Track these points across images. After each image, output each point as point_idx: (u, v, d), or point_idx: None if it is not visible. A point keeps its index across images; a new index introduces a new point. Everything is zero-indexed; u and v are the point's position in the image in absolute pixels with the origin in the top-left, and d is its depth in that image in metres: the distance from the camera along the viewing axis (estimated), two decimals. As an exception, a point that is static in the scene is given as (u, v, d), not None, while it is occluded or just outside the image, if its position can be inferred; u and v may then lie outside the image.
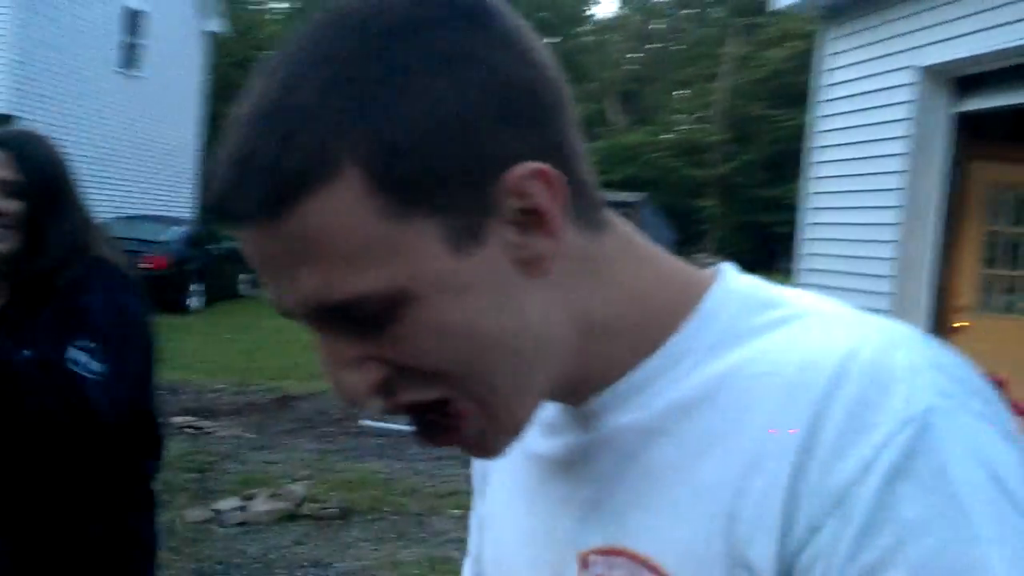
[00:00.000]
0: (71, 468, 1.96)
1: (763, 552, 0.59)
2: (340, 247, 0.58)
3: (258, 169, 0.57)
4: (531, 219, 0.61)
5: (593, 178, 0.66)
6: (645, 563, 0.65)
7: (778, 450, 0.59)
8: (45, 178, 1.99)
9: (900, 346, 0.61)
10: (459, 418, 0.64)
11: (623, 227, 0.69)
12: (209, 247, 16.93)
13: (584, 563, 0.69)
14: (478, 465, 0.87)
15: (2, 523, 1.98)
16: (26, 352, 1.86)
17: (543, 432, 0.73)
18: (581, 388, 0.68)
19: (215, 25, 22.91)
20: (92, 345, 1.87)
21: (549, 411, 0.73)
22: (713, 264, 0.72)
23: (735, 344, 0.65)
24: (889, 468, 0.55)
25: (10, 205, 1.94)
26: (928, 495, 0.55)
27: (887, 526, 0.55)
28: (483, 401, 0.63)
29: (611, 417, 0.68)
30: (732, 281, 0.69)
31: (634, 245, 0.69)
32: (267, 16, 37.42)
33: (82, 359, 1.85)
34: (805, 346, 0.62)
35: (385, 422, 8.32)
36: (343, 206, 0.57)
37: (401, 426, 8.20)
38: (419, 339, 0.60)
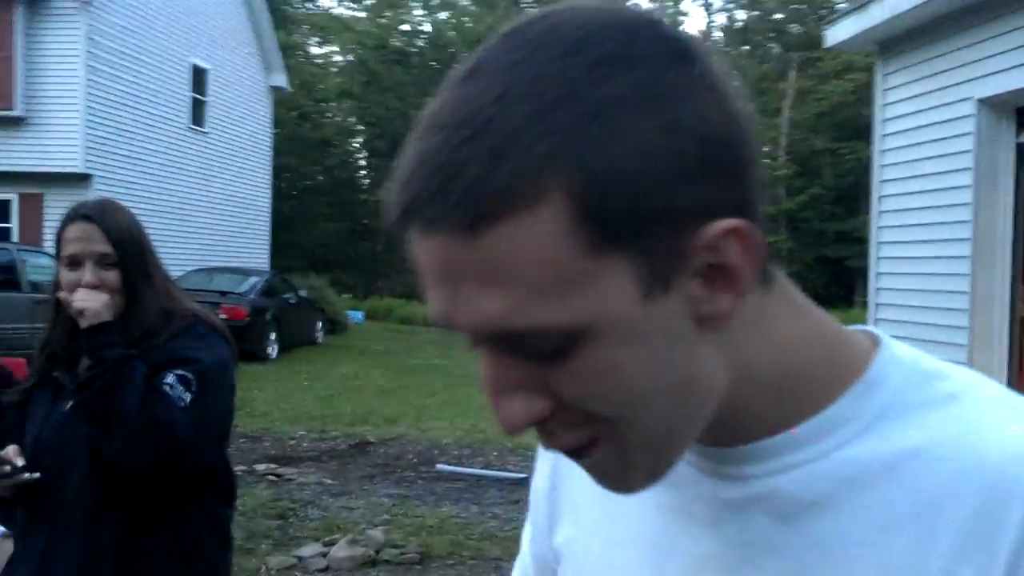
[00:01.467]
0: (149, 495, 2.07)
1: None
2: (532, 274, 0.56)
3: (464, 181, 0.55)
4: (719, 275, 0.59)
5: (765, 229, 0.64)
6: None
7: (992, 541, 0.59)
8: (133, 245, 2.13)
9: None
10: (601, 460, 0.64)
11: (782, 279, 0.67)
12: (285, 296, 17.31)
13: None
14: (546, 496, 0.85)
15: (83, 546, 2.07)
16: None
17: (664, 482, 0.68)
18: (723, 437, 0.67)
19: (279, 80, 23.52)
20: (187, 375, 2.03)
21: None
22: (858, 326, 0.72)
23: (905, 417, 0.64)
24: None
25: (110, 275, 2.09)
26: None
27: None
28: (633, 444, 0.62)
29: (766, 473, 0.66)
30: (894, 348, 0.68)
31: (794, 299, 0.68)
32: (328, 69, 38.22)
33: (175, 385, 2.01)
34: (995, 432, 0.62)
35: (462, 466, 8.42)
36: (543, 234, 0.56)
37: (477, 470, 8.29)
38: (590, 378, 0.59)
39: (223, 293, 15.54)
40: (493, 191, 0.55)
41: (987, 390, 0.65)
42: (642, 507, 0.72)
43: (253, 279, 17.10)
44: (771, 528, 0.65)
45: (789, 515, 0.65)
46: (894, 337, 0.70)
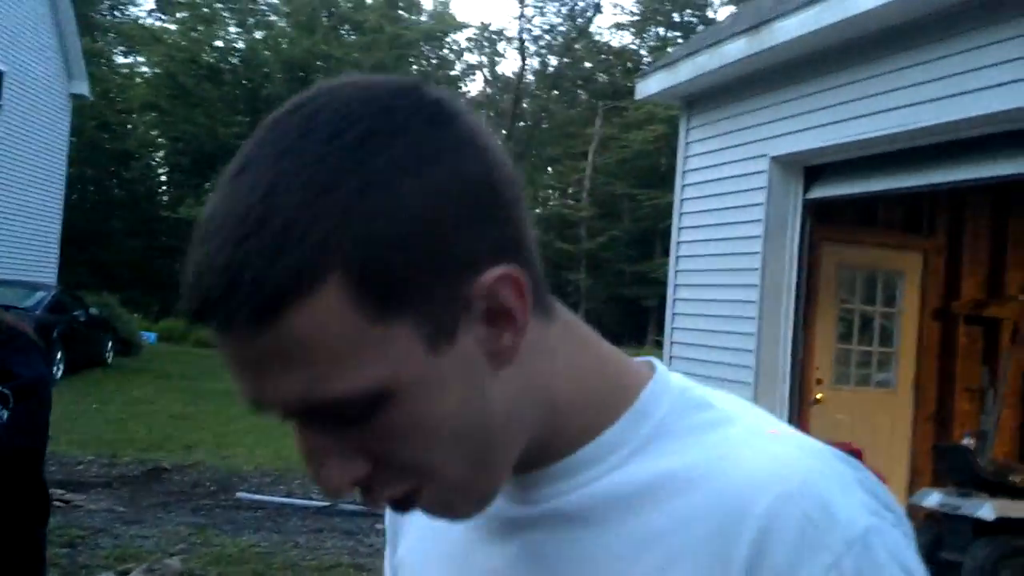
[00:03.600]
0: None
1: None
2: (324, 351, 0.60)
3: (247, 281, 0.59)
4: (499, 317, 0.64)
5: (540, 265, 0.69)
6: None
7: (727, 562, 0.63)
8: None
9: (828, 464, 0.66)
10: (428, 502, 0.68)
11: (565, 311, 0.73)
12: (72, 312, 16.44)
13: None
14: (390, 516, 0.89)
15: None
16: None
17: None
18: (526, 461, 0.71)
19: (80, 88, 22.45)
20: (3, 391, 1.94)
21: None
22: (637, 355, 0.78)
23: (670, 441, 0.70)
24: None
25: None
26: None
27: None
28: (452, 485, 0.66)
29: (549, 496, 0.71)
30: (665, 377, 0.74)
31: (576, 329, 0.73)
32: (133, 79, 36.73)
33: None
34: (745, 459, 0.67)
35: (263, 495, 8.24)
36: (327, 312, 0.59)
37: (277, 499, 8.14)
38: (397, 433, 0.63)
39: (6, 308, 14.53)
40: (274, 286, 0.59)
41: (747, 419, 0.71)
42: (453, 526, 0.76)
43: (40, 294, 16.15)
44: (547, 543, 0.71)
45: (562, 533, 0.70)
46: (688, 373, 0.77)
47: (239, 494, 8.22)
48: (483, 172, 0.64)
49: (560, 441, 0.71)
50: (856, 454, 5.02)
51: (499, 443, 0.67)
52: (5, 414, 1.95)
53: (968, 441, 6.45)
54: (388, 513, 0.89)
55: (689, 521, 0.66)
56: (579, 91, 42.97)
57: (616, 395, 0.72)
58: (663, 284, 8.42)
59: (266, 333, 0.60)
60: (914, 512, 7.08)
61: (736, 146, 7.43)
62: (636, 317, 32.84)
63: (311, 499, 8.17)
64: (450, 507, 0.69)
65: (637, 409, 0.72)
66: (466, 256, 0.63)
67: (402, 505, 0.68)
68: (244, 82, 34.75)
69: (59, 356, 15.18)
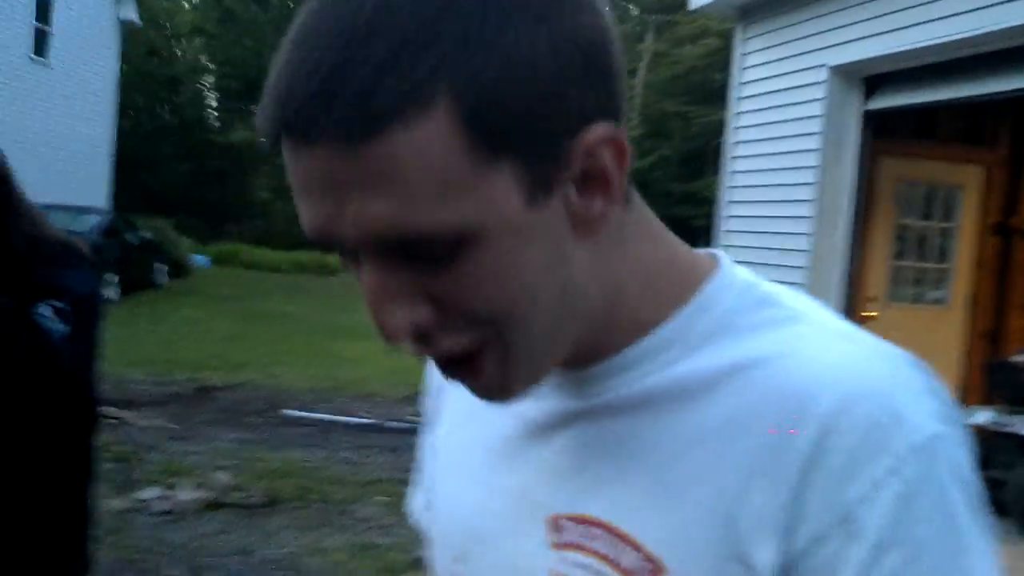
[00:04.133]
0: (30, 431, 1.99)
1: (764, 555, 0.61)
2: (420, 180, 0.57)
3: (350, 92, 0.55)
4: (593, 180, 0.63)
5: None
6: (624, 538, 0.66)
7: (784, 459, 0.61)
8: None
9: (900, 368, 0.64)
10: (481, 369, 0.65)
11: (639, 201, 0.71)
12: (125, 236, 16.63)
13: (556, 527, 0.70)
14: (431, 398, 0.89)
15: None
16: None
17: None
18: (583, 355, 0.70)
19: (129, 13, 22.40)
20: (61, 306, 1.92)
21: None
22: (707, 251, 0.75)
23: (730, 338, 0.68)
24: (901, 491, 0.59)
25: None
26: (932, 518, 0.60)
27: (897, 546, 0.59)
28: (514, 347, 0.64)
29: (602, 390, 0.70)
30: (730, 272, 0.72)
31: (649, 220, 0.71)
32: (181, 4, 36.64)
33: (49, 315, 1.90)
34: (810, 358, 0.64)
35: (308, 411, 8.32)
36: (431, 141, 0.56)
37: (323, 415, 8.21)
38: (476, 280, 0.60)
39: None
40: (381, 101, 0.55)
41: (815, 316, 0.68)
42: (502, 415, 0.76)
43: (93, 218, 16.34)
44: (597, 435, 0.70)
45: (614, 425, 0.69)
46: None
47: (285, 411, 8.30)
48: (600, 35, 0.62)
49: (618, 333, 0.69)
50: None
51: (569, 316, 0.65)
52: (63, 327, 1.92)
53: (1020, 358, 6.28)
54: (430, 391, 0.89)
55: (747, 416, 0.64)
56: (629, 4, 42.03)
57: (679, 289, 0.70)
58: (712, 203, 8.22)
59: (362, 151, 0.56)
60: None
61: (793, 56, 7.17)
62: (685, 237, 32.43)
63: (356, 416, 8.23)
64: (505, 377, 0.65)
65: (699, 303, 0.70)
66: (576, 111, 0.61)
67: (457, 365, 0.65)
68: (290, 3, 34.49)
69: (113, 279, 15.42)
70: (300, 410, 8.39)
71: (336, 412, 8.46)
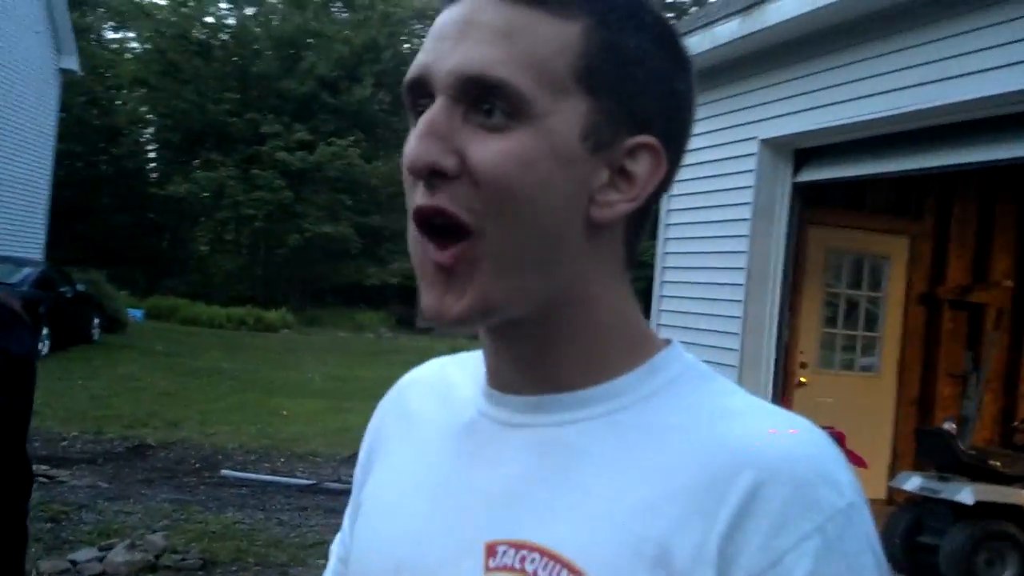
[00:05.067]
0: None
1: None
2: (528, 54, 0.70)
3: None
4: (623, 179, 0.73)
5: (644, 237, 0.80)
6: (559, 560, 0.70)
7: (721, 501, 0.67)
8: None
9: (825, 442, 0.71)
10: (467, 262, 0.71)
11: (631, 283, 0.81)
12: (59, 289, 16.37)
13: (492, 552, 0.73)
14: (368, 442, 0.92)
15: None
16: None
17: (464, 433, 0.80)
18: (530, 379, 0.76)
19: (69, 62, 22.26)
20: None
21: (479, 394, 0.80)
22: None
23: (677, 399, 0.74)
24: (823, 546, 0.66)
25: None
26: (848, 573, 0.66)
27: None
28: (489, 253, 0.70)
29: (551, 424, 0.75)
30: (681, 349, 0.79)
31: (632, 293, 0.80)
32: (123, 55, 36.45)
33: None
34: (748, 421, 0.71)
35: (247, 472, 8.24)
36: (556, 39, 0.70)
37: (262, 476, 8.14)
38: (504, 156, 0.69)
39: (-8, 283, 14.54)
40: None
41: (747, 394, 0.75)
42: (440, 454, 0.81)
43: (26, 270, 16.05)
44: (540, 464, 0.74)
45: (559, 457, 0.74)
46: None
47: (223, 471, 8.22)
48: (690, 98, 0.78)
49: (583, 371, 0.75)
50: (839, 437, 5.01)
51: (541, 265, 0.72)
52: None
53: (949, 425, 6.47)
54: (368, 435, 0.92)
55: (688, 463, 0.69)
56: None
57: (639, 349, 0.77)
58: (651, 267, 8.39)
59: (507, 10, 0.70)
60: (895, 495, 7.11)
61: (726, 128, 7.41)
62: (625, 299, 32.81)
63: (295, 477, 8.18)
64: (456, 287, 0.71)
65: (652, 365, 0.76)
66: (648, 116, 0.74)
67: (434, 234, 0.71)
68: (234, 59, 34.53)
69: (45, 332, 15.13)
70: (237, 470, 8.31)
71: (274, 472, 8.40)
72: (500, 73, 0.69)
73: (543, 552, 0.70)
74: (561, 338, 0.75)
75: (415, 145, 0.70)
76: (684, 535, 0.67)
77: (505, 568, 0.71)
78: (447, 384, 0.86)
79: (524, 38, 0.70)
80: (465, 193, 0.70)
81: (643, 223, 0.77)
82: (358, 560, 0.84)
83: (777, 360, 7.07)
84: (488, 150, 0.69)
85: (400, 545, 0.79)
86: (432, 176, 0.70)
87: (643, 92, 0.73)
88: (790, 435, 0.70)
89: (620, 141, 0.73)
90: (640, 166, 0.73)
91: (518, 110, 0.69)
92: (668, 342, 0.79)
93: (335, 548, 0.95)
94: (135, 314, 23.32)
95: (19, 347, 2.01)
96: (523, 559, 0.71)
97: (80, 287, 17.63)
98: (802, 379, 7.45)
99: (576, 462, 0.72)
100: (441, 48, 0.71)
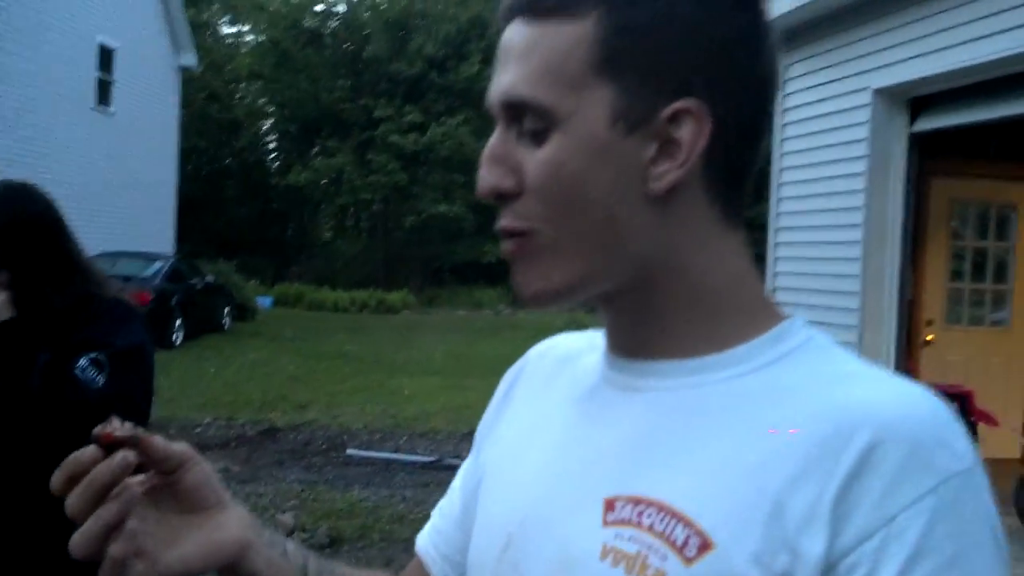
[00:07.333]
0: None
1: (813, 545, 0.67)
2: (546, 63, 0.74)
3: None
4: (670, 147, 0.74)
5: (749, 189, 0.79)
6: (676, 515, 0.72)
7: (837, 460, 0.67)
8: (25, 237, 2.04)
9: (945, 409, 0.71)
10: (528, 254, 0.77)
11: (747, 246, 0.81)
12: (191, 281, 17.00)
13: (610, 506, 0.75)
14: (482, 425, 0.97)
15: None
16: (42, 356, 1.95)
17: (586, 397, 0.84)
18: (647, 348, 0.79)
19: (188, 59, 23.00)
20: (98, 357, 1.96)
21: (601, 361, 0.84)
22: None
23: (796, 365, 0.76)
24: (937, 508, 0.66)
25: None
26: (961, 537, 0.66)
27: (930, 555, 0.65)
28: (547, 250, 0.76)
29: (669, 388, 0.78)
30: (802, 321, 0.80)
31: (746, 257, 0.81)
32: (239, 49, 37.47)
33: (88, 369, 1.94)
34: (867, 385, 0.72)
35: (371, 451, 8.43)
36: (569, 40, 0.74)
37: (386, 455, 8.32)
38: (549, 165, 0.74)
39: (127, 278, 15.11)
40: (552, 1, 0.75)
41: (870, 368, 0.75)
42: (565, 416, 0.85)
43: (158, 264, 16.75)
44: (659, 423, 0.77)
45: (677, 419, 0.76)
46: None
47: (349, 451, 8.43)
48: (748, 34, 0.76)
49: (696, 338, 0.78)
50: (967, 396, 4.79)
51: (609, 250, 0.76)
52: (102, 380, 1.97)
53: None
54: (495, 399, 0.97)
55: (805, 422, 0.70)
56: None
57: (760, 319, 0.78)
58: (763, 230, 8.19)
59: (530, 27, 0.75)
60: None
61: (837, 79, 7.16)
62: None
63: (417, 455, 8.32)
64: (527, 275, 0.78)
65: (774, 335, 0.78)
66: (686, 74, 0.74)
67: (513, 243, 0.78)
68: (345, 44, 35.12)
69: (178, 323, 15.76)
70: (362, 449, 8.51)
71: (397, 450, 8.57)
72: (521, 91, 0.75)
73: (660, 507, 0.73)
74: (661, 306, 0.78)
75: (481, 173, 0.77)
76: (799, 492, 0.68)
77: (622, 522, 0.74)
78: (576, 351, 0.91)
79: (539, 51, 0.75)
80: (523, 204, 0.76)
81: (726, 179, 0.77)
82: (484, 510, 0.89)
83: (900, 318, 6.84)
84: (533, 161, 0.75)
85: (524, 499, 0.83)
86: (499, 199, 0.77)
87: (670, 57, 0.74)
88: (908, 399, 0.70)
89: (658, 112, 0.74)
90: (684, 131, 0.74)
91: (546, 119, 0.74)
92: (790, 315, 0.80)
93: (455, 484, 1.01)
94: (264, 302, 24.07)
95: (124, 340, 2.07)
96: (640, 513, 0.73)
97: (209, 278, 18.28)
98: (928, 337, 7.19)
99: (694, 422, 0.75)
100: (494, 78, 0.78)
